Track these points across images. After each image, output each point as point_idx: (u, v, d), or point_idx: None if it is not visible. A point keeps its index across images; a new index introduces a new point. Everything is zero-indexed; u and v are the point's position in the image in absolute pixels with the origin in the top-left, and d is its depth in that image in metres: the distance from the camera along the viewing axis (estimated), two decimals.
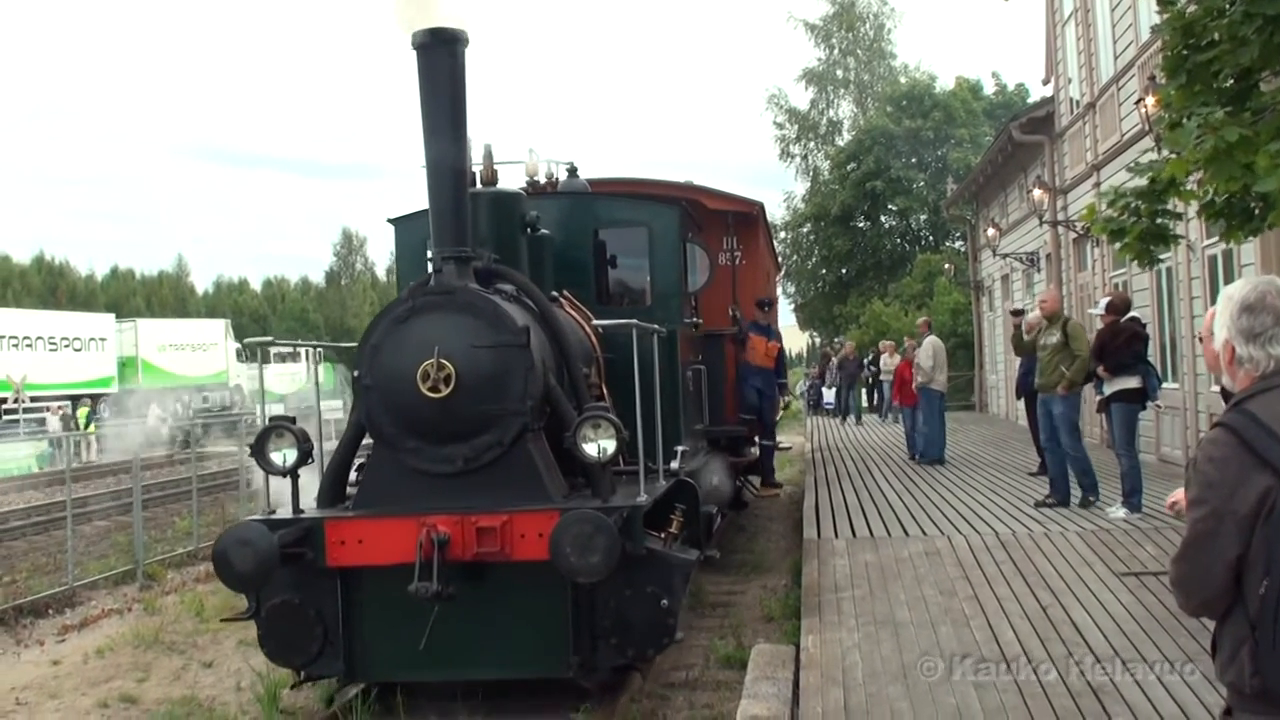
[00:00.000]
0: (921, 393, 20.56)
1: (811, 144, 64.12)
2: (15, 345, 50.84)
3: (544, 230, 10.46)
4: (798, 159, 64.06)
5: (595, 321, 10.21)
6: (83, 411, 48.64)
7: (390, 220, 11.67)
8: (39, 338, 52.50)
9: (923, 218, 57.02)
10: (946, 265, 44.53)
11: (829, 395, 39.30)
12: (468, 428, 8.46)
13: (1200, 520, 3.45)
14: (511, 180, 11.00)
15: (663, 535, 8.70)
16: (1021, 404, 19.97)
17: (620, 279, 12.07)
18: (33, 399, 49.56)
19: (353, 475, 9.24)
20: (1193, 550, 3.49)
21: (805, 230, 60.78)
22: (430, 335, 8.42)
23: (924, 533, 13.13)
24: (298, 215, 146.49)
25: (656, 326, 9.86)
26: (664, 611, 8.33)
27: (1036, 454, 18.10)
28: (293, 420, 8.77)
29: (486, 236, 9.48)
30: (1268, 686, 3.36)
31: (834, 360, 39.93)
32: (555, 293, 10.41)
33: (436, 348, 8.29)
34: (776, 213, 62.05)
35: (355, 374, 8.73)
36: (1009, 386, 27.44)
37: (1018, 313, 17.42)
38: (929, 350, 20.51)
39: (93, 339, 54.60)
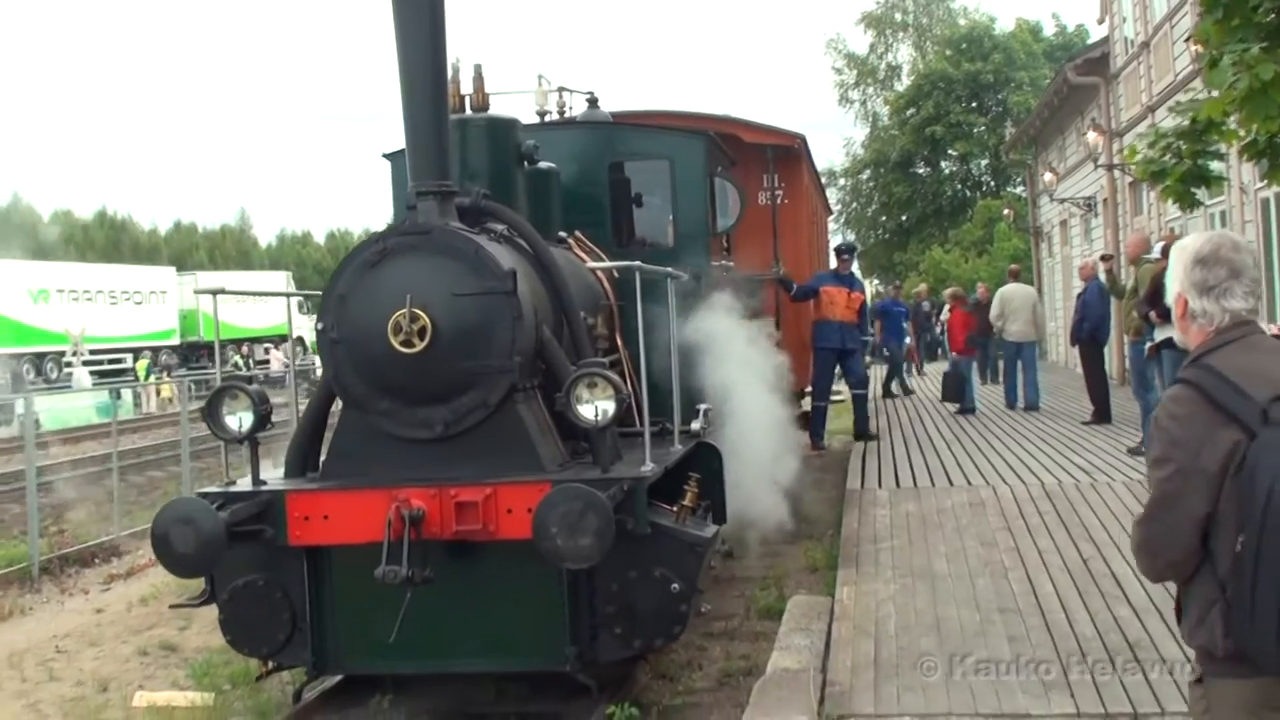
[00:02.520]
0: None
1: (870, 89, 63.52)
2: (75, 299, 51.46)
3: (549, 163, 9.46)
4: (856, 105, 63.58)
5: (591, 264, 9.23)
6: (141, 364, 49.11)
7: (386, 155, 10.59)
8: (99, 291, 53.14)
9: (983, 163, 56.42)
10: (1006, 210, 43.91)
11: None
12: (447, 387, 7.36)
13: (1167, 480, 3.39)
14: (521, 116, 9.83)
15: (675, 509, 7.54)
16: (1077, 351, 19.73)
17: (640, 218, 11.00)
18: (92, 352, 50.15)
19: None
20: (1160, 510, 3.43)
21: (864, 177, 60.29)
22: (403, 281, 7.31)
23: (969, 483, 12.99)
24: (363, 166, 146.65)
25: (670, 269, 8.72)
26: (675, 597, 7.22)
27: (1090, 402, 17.85)
28: (249, 380, 7.75)
29: (478, 169, 8.49)
30: (1241, 648, 3.30)
31: None
32: (564, 233, 9.47)
33: (409, 296, 7.18)
34: (836, 159, 61.64)
35: (319, 327, 7.62)
36: (1067, 334, 27.08)
37: (1107, 258, 17.15)
38: (995, 300, 20.46)
39: (153, 292, 55.09)
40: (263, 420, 7.63)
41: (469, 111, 8.87)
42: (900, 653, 7.41)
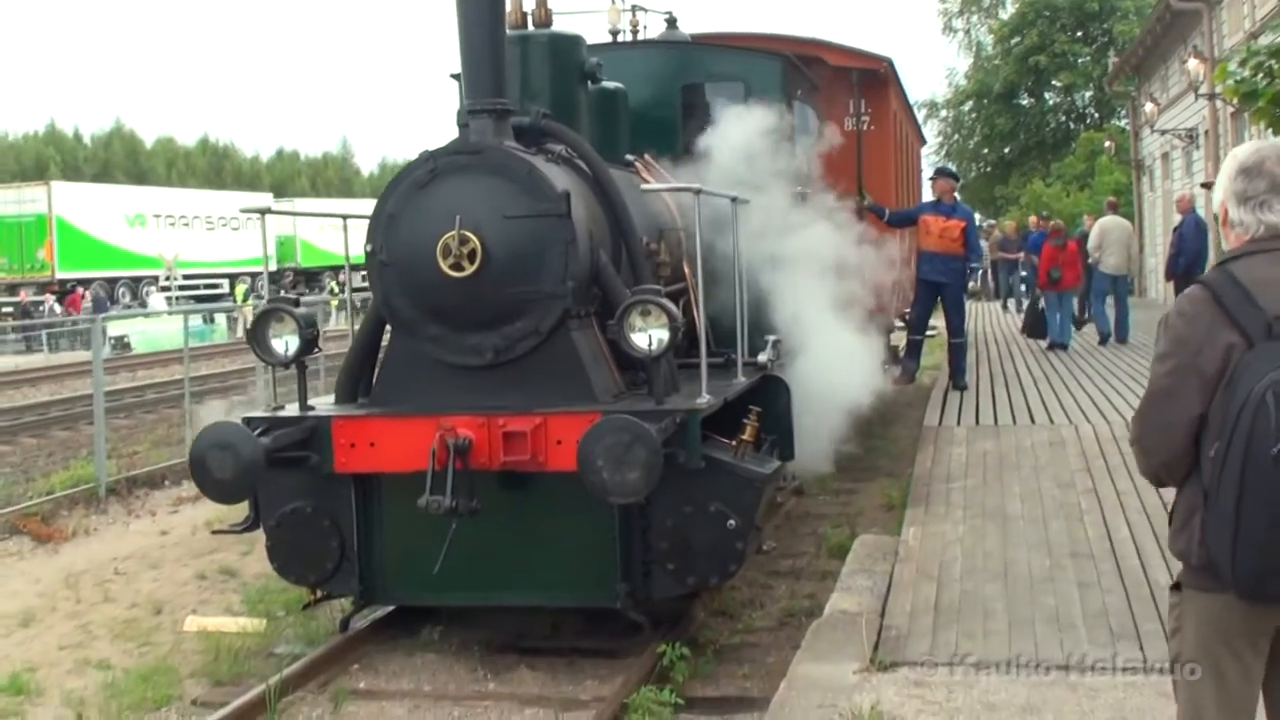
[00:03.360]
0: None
1: (974, 17, 62.11)
2: (172, 224, 52.10)
3: (614, 83, 9.11)
4: (960, 34, 62.20)
5: (646, 186, 8.79)
6: (240, 289, 49.61)
7: (454, 75, 10.15)
8: (195, 216, 53.74)
9: (1087, 94, 55.00)
10: (1107, 143, 42.79)
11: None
12: (498, 313, 7.10)
13: (1165, 375, 3.40)
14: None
15: (734, 444, 7.16)
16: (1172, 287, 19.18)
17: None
18: (187, 277, 50.74)
19: None
20: (1155, 406, 3.44)
21: (966, 108, 59.08)
22: (453, 202, 7.01)
23: (1051, 421, 12.59)
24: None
25: (733, 194, 8.23)
26: (731, 534, 6.96)
27: None
28: (295, 302, 7.65)
29: (538, 88, 8.17)
30: (1212, 558, 3.28)
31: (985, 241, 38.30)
32: (631, 156, 9.16)
33: (459, 217, 6.91)
34: (938, 90, 60.38)
35: (369, 248, 7.39)
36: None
37: (1209, 185, 16.48)
38: (1094, 231, 20.37)
39: (250, 218, 55.44)
40: (309, 344, 7.46)
41: (531, 28, 8.54)
42: (963, 597, 7.11)
